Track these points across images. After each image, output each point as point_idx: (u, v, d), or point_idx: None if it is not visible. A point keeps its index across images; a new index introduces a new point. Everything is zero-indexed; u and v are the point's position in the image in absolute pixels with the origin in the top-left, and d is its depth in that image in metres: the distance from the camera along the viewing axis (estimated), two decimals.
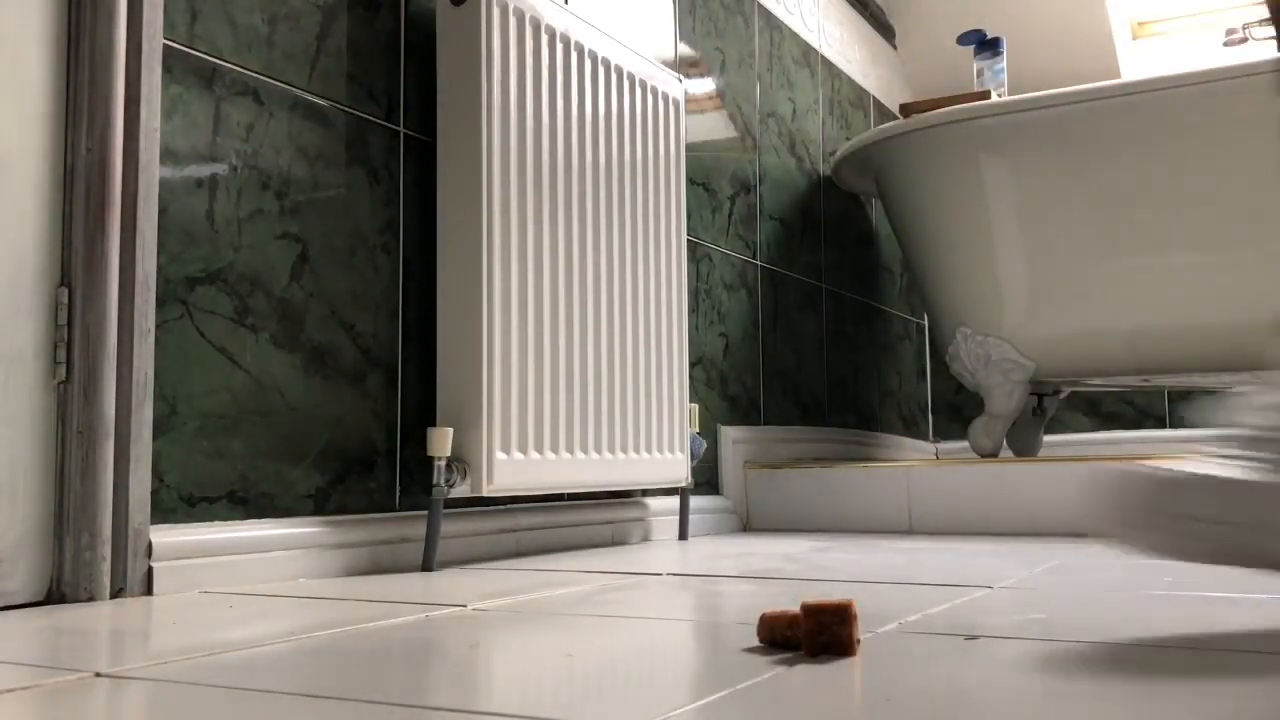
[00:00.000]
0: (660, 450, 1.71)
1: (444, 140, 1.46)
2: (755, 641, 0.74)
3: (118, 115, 1.09)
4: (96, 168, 1.08)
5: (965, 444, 2.65)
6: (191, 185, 1.18)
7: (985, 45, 2.58)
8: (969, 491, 1.97)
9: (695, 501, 1.95)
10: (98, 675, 0.67)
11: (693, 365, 1.99)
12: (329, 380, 1.32)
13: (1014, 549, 1.55)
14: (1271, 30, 2.50)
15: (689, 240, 2.00)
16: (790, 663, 0.67)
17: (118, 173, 1.09)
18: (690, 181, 2.02)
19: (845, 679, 0.64)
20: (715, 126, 2.15)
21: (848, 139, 2.72)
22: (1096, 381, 2.43)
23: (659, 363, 1.72)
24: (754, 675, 0.63)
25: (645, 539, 1.82)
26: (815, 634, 0.69)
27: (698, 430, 1.87)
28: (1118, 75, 2.92)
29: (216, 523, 1.18)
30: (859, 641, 0.69)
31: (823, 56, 2.67)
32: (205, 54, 1.20)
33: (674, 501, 1.89)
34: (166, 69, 1.15)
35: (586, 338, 1.57)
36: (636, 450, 1.66)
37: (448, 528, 1.40)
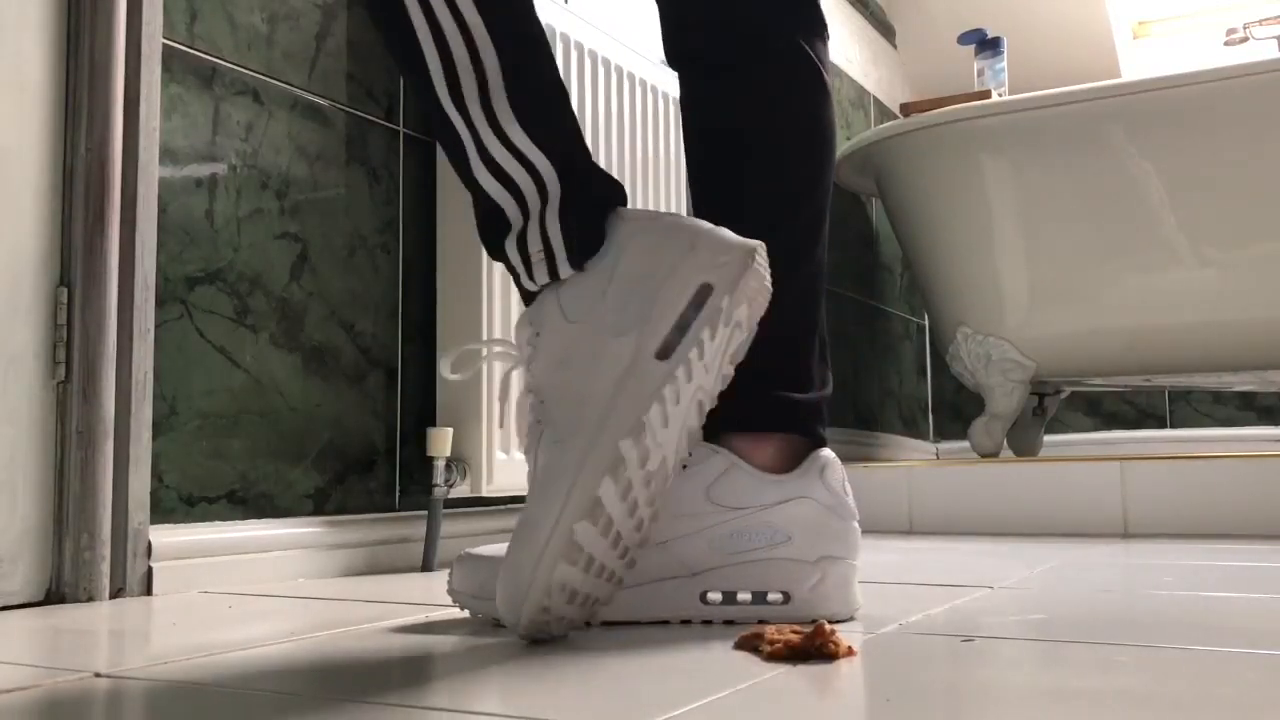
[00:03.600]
0: None
1: None
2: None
3: (117, 115, 1.09)
4: (96, 167, 1.08)
5: (966, 444, 2.65)
6: (191, 185, 1.18)
7: (986, 45, 2.58)
8: (969, 491, 1.97)
9: None
10: (97, 675, 0.67)
11: None
12: (329, 380, 1.32)
13: (1014, 549, 1.55)
14: (1271, 30, 2.50)
15: None
16: (792, 663, 0.67)
17: (117, 172, 1.09)
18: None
19: (845, 680, 0.64)
20: None
21: (848, 138, 2.72)
22: (1097, 381, 2.43)
23: None
24: (754, 676, 0.63)
25: None
26: (799, 657, 0.69)
27: None
28: (1118, 75, 2.92)
29: (216, 523, 1.18)
30: (850, 649, 0.69)
31: None
32: (205, 54, 1.20)
33: None
34: (166, 68, 1.15)
35: None
36: None
37: (448, 528, 1.40)
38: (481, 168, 0.82)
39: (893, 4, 3.14)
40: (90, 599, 1.05)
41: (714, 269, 0.77)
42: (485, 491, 1.38)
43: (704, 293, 0.77)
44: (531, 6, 0.85)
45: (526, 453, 0.80)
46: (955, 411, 3.12)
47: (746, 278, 0.78)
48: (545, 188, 0.81)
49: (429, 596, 1.06)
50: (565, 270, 0.81)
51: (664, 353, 0.76)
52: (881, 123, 2.87)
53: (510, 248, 0.83)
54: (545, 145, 0.81)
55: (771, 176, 0.93)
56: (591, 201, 0.82)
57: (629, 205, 0.84)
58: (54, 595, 1.05)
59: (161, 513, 1.12)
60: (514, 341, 0.84)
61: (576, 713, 0.55)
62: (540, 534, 0.73)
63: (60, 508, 1.06)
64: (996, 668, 0.67)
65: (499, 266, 1.42)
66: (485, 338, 1.40)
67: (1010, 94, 2.49)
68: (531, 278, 0.82)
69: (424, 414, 1.44)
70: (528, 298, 0.84)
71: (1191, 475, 1.82)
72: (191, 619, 0.92)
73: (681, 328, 0.77)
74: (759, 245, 0.79)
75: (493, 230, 0.84)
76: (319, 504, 1.30)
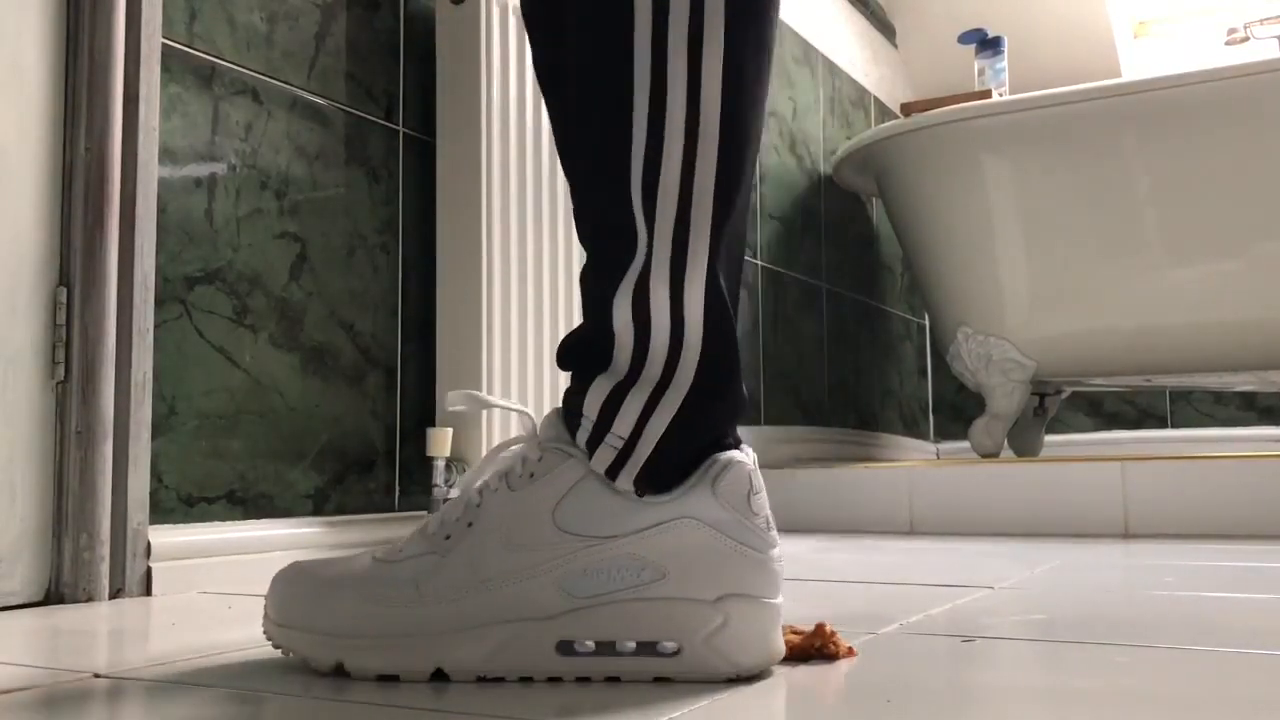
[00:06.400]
0: None
1: (444, 139, 1.46)
2: None
3: (117, 114, 1.09)
4: (95, 167, 1.08)
5: (966, 444, 2.65)
6: (190, 184, 1.18)
7: (986, 44, 2.58)
8: (970, 492, 1.97)
9: None
10: (96, 676, 0.67)
11: None
12: (328, 380, 1.32)
13: (1015, 549, 1.55)
14: (1271, 30, 2.50)
15: None
16: (792, 663, 0.67)
17: (116, 172, 1.09)
18: None
19: (845, 680, 0.64)
20: None
21: (848, 138, 2.72)
22: (1098, 381, 2.43)
23: None
24: (755, 676, 0.63)
25: None
26: (799, 657, 0.69)
27: None
28: (1119, 74, 2.92)
29: (215, 523, 1.18)
30: (850, 649, 0.69)
31: (823, 55, 2.67)
32: (204, 53, 1.20)
33: None
34: (165, 68, 1.15)
35: None
36: None
37: None
38: (627, 299, 0.63)
39: (893, 3, 3.13)
40: (90, 599, 1.05)
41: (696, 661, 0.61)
42: None
43: (661, 651, 0.62)
44: (756, 140, 0.65)
45: (435, 528, 0.66)
46: (955, 411, 3.12)
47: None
48: (677, 361, 0.63)
49: None
50: (624, 483, 0.63)
51: (565, 650, 0.62)
52: (882, 122, 2.87)
53: (596, 391, 0.64)
54: (713, 314, 0.63)
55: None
56: (710, 421, 0.64)
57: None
58: (53, 595, 1.05)
59: (161, 513, 1.12)
60: (525, 434, 0.67)
61: (577, 713, 0.55)
62: (342, 610, 0.64)
63: (59, 508, 1.05)
64: (997, 668, 0.67)
65: (498, 266, 1.42)
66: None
67: (1010, 94, 2.49)
68: (592, 444, 0.63)
69: (424, 414, 1.43)
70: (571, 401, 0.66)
71: (1192, 475, 1.82)
72: (191, 619, 0.92)
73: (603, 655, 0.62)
74: (752, 676, 0.62)
75: (587, 361, 0.65)
76: (318, 504, 1.30)
